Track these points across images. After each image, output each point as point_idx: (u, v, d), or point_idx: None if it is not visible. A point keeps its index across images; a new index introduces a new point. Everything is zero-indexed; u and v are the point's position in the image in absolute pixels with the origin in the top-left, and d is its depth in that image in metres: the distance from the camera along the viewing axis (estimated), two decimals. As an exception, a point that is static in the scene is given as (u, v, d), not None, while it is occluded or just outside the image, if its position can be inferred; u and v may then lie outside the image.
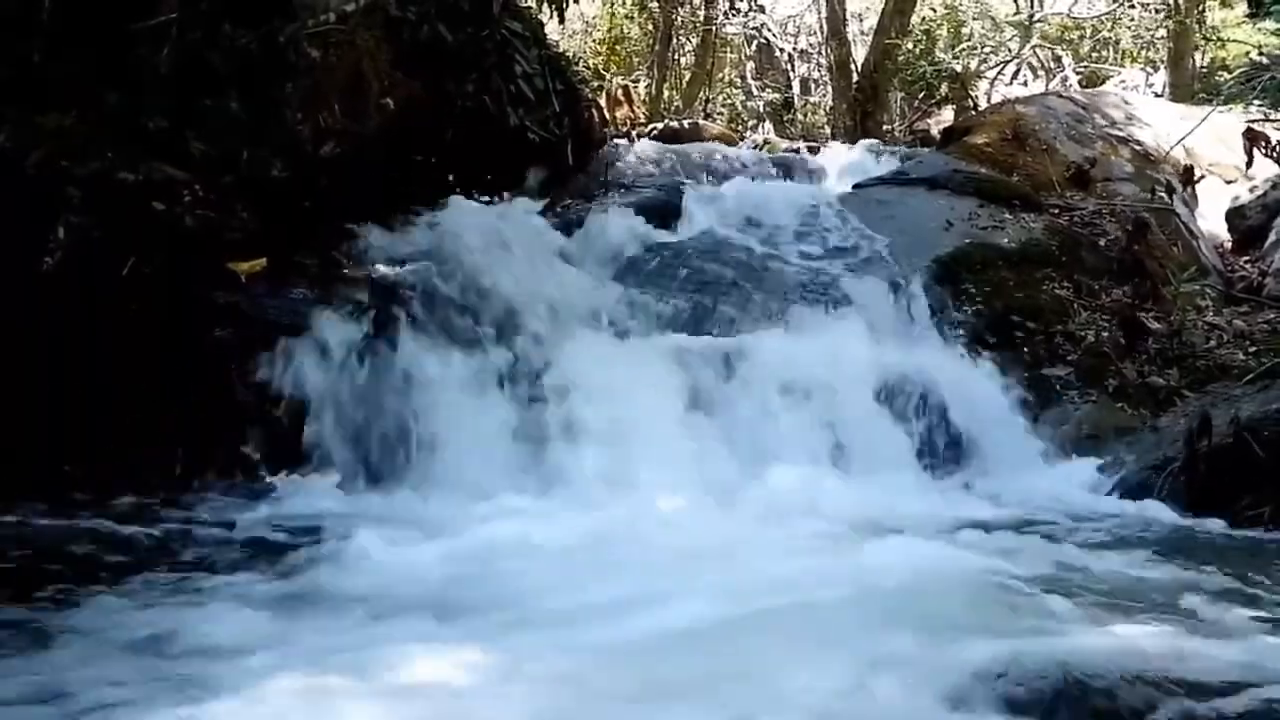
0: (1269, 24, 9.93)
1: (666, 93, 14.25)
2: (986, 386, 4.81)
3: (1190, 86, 10.66)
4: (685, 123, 10.06)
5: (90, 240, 3.81)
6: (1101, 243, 5.91)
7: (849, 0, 13.42)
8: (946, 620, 2.38)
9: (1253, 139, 6.62)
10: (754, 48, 15.42)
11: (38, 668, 2.24)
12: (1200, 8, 11.39)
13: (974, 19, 12.84)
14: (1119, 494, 4.15)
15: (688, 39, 15.22)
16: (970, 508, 4.01)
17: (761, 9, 14.87)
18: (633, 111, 11.16)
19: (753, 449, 4.28)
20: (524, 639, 2.40)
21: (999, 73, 12.40)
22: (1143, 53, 13.28)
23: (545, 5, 6.74)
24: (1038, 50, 12.47)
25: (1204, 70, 11.35)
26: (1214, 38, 11.43)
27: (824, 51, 13.69)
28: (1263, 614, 2.58)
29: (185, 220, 4.11)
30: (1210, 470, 3.92)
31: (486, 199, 5.72)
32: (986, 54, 12.50)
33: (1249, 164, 6.60)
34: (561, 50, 8.11)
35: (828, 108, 13.80)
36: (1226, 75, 9.71)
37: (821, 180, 7.37)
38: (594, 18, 14.92)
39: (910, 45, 11.84)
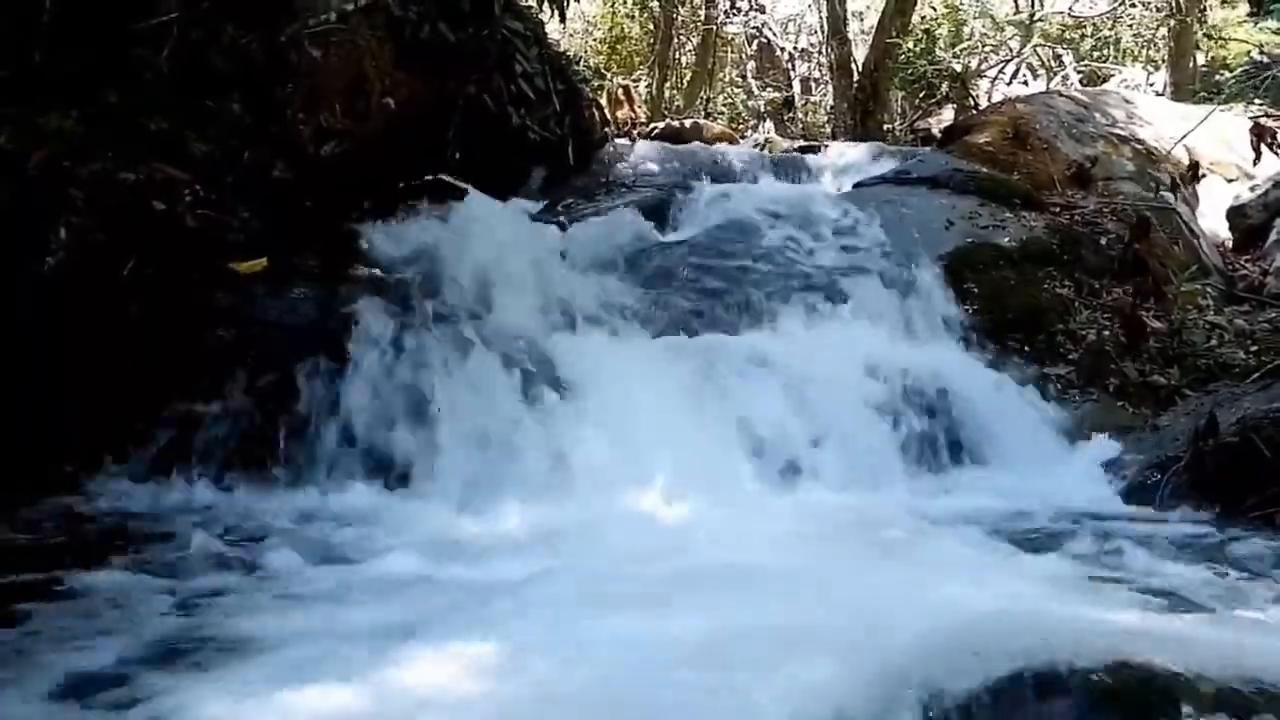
0: (1270, 23, 9.96)
1: (667, 92, 14.28)
2: (988, 385, 4.81)
3: (1191, 85, 10.66)
4: (686, 122, 10.07)
5: (91, 240, 3.80)
6: (1103, 241, 5.90)
7: (849, 0, 13.42)
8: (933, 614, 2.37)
9: (1260, 134, 6.59)
10: (755, 47, 15.43)
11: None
12: (1201, 7, 11.39)
13: (974, 18, 12.83)
14: (1121, 492, 4.15)
15: (688, 38, 15.24)
16: (971, 505, 4.01)
17: (762, 8, 14.89)
18: (633, 111, 11.17)
19: (754, 446, 4.27)
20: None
21: (999, 72, 12.39)
22: (1144, 52, 13.28)
23: (546, 5, 6.74)
24: (1038, 49, 12.46)
25: (1205, 69, 11.35)
26: (1215, 36, 11.44)
27: (825, 51, 13.68)
28: (1263, 615, 2.58)
29: (186, 220, 4.11)
30: (1215, 469, 3.91)
31: (488, 198, 5.71)
32: (987, 53, 12.49)
33: (1256, 159, 6.56)
34: (562, 50, 8.13)
35: (829, 107, 13.79)
36: (1227, 74, 9.70)
37: (822, 179, 7.38)
38: (595, 17, 14.93)
39: (911, 44, 11.83)
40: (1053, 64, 12.61)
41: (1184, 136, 6.69)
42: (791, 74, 14.99)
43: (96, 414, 3.70)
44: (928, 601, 2.47)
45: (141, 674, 2.19)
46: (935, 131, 9.81)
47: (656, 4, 14.33)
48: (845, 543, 3.33)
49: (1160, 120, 7.38)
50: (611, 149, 7.33)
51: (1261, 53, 9.92)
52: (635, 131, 9.30)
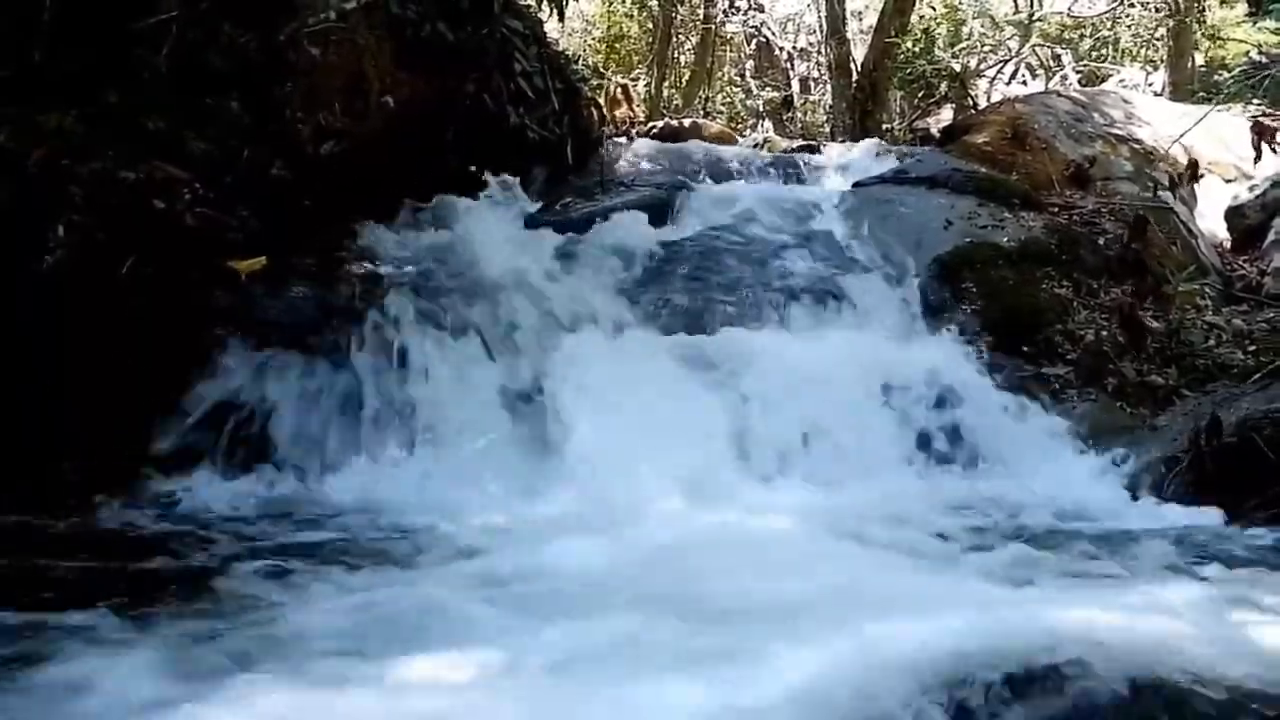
0: (1269, 23, 9.97)
1: (666, 91, 14.26)
2: (987, 385, 4.81)
3: (1190, 85, 10.67)
4: (685, 121, 10.06)
5: (91, 239, 3.80)
6: (1101, 241, 5.90)
7: (848, 0, 13.42)
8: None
9: (1260, 132, 6.59)
10: (753, 46, 15.43)
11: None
12: (1200, 7, 11.40)
13: (973, 18, 12.84)
14: (1120, 492, 4.15)
15: (687, 37, 15.24)
16: (971, 505, 4.01)
17: (761, 8, 14.90)
18: (632, 110, 11.16)
19: (752, 446, 4.28)
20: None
21: (998, 72, 12.41)
22: (1142, 52, 13.29)
23: (545, 3, 6.75)
24: (1037, 49, 12.47)
25: (1204, 69, 11.36)
26: (1214, 36, 11.45)
27: (823, 50, 13.68)
28: (1265, 617, 2.58)
29: (186, 219, 4.11)
30: (1216, 469, 3.92)
31: (487, 197, 5.72)
32: (986, 53, 12.51)
33: (1257, 158, 6.55)
34: (561, 49, 8.12)
35: (827, 106, 13.80)
36: (1226, 74, 9.71)
37: (821, 179, 7.37)
38: (593, 16, 14.93)
39: (909, 44, 11.84)
40: (1051, 64, 12.62)
41: (1181, 135, 6.69)
42: (790, 73, 14.99)
43: (96, 414, 3.69)
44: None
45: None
46: (934, 131, 9.81)
47: (655, 3, 14.33)
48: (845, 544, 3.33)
49: (1159, 120, 7.38)
50: (610, 148, 7.33)
51: (1260, 52, 9.92)
52: (634, 130, 9.30)
